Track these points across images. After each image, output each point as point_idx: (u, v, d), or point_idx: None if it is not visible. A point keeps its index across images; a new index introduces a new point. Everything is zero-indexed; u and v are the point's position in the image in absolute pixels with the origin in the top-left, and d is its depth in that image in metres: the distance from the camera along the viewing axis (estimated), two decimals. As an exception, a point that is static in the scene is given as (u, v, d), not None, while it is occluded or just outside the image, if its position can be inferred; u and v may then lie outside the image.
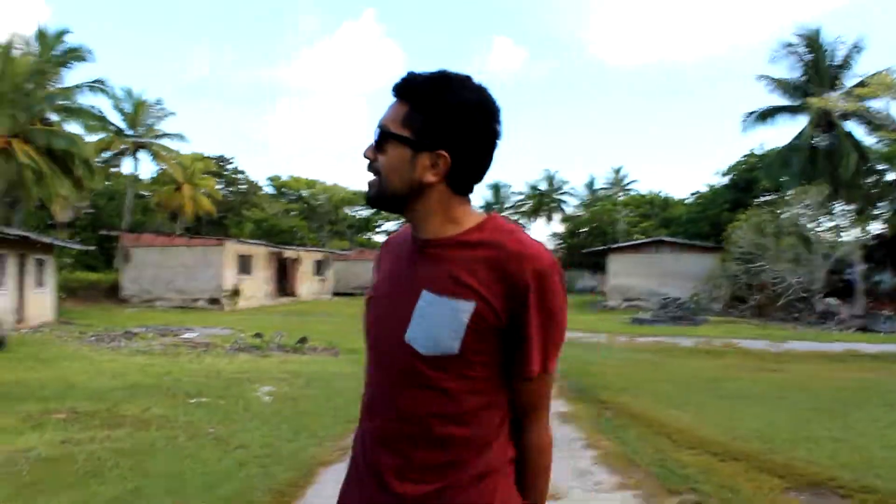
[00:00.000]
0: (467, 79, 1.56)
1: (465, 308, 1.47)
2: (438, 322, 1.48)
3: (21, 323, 21.41)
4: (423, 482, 1.49)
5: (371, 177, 1.58)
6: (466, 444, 1.50)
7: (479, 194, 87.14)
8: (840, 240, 32.98)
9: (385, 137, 1.54)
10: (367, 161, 1.57)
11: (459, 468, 1.49)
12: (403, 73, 1.57)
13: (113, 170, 50.48)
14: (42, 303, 23.84)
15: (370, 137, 1.58)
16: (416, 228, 1.60)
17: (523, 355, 1.51)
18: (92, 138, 40.21)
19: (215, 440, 7.07)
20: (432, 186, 1.53)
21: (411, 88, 1.54)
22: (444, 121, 1.51)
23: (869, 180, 37.37)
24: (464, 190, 1.57)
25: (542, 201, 78.05)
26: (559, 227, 77.14)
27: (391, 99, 1.57)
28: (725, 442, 7.27)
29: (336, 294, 48.17)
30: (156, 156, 48.13)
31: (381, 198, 1.58)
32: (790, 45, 35.45)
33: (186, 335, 18.41)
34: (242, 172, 65.18)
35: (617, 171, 79.65)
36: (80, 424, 7.73)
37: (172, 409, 8.62)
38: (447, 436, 1.49)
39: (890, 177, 40.63)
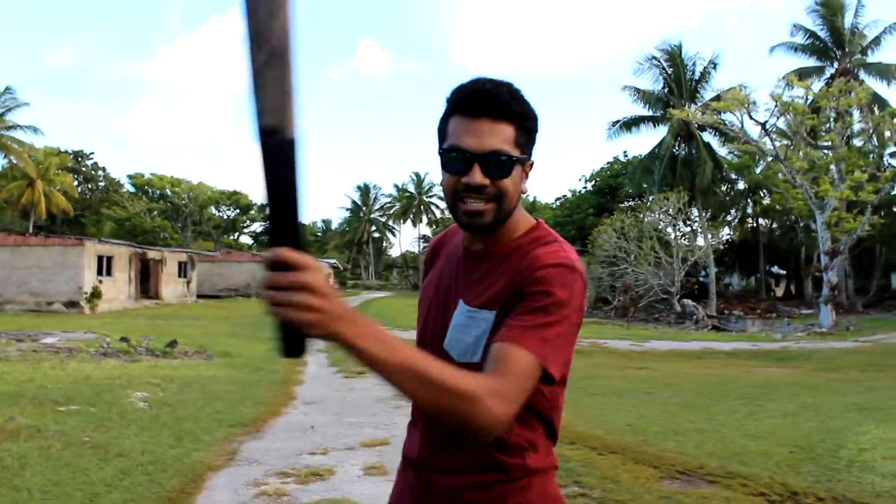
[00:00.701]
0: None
1: (488, 318, 1.49)
2: (466, 331, 1.51)
3: None
4: (457, 477, 1.54)
5: (481, 206, 1.48)
6: (498, 449, 1.51)
7: (347, 196, 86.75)
8: (696, 244, 35.02)
9: (512, 163, 1.48)
10: (477, 188, 1.47)
11: (497, 470, 1.52)
12: (481, 88, 1.50)
13: (-44, 162, 47.07)
14: None
15: (459, 164, 1.48)
16: (481, 240, 1.58)
17: (513, 326, 1.39)
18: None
19: (93, 448, 6.76)
20: (520, 197, 1.56)
21: (510, 107, 1.49)
22: (534, 133, 1.55)
23: (723, 188, 39.91)
24: None
25: (411, 204, 78.52)
26: (427, 230, 77.97)
27: (474, 117, 1.48)
28: (602, 436, 7.62)
29: (201, 296, 46.70)
30: (5, 148, 45.18)
31: (496, 222, 1.51)
32: (653, 58, 37.42)
33: (46, 340, 17.39)
34: (102, 169, 62.25)
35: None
36: (-63, 437, 7.21)
37: (41, 418, 8.16)
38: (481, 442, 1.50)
39: (740, 186, 43.53)
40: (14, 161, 46.09)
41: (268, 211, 1.12)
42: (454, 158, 1.48)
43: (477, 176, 1.46)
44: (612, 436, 7.66)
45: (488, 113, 1.48)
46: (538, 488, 1.56)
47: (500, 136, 1.47)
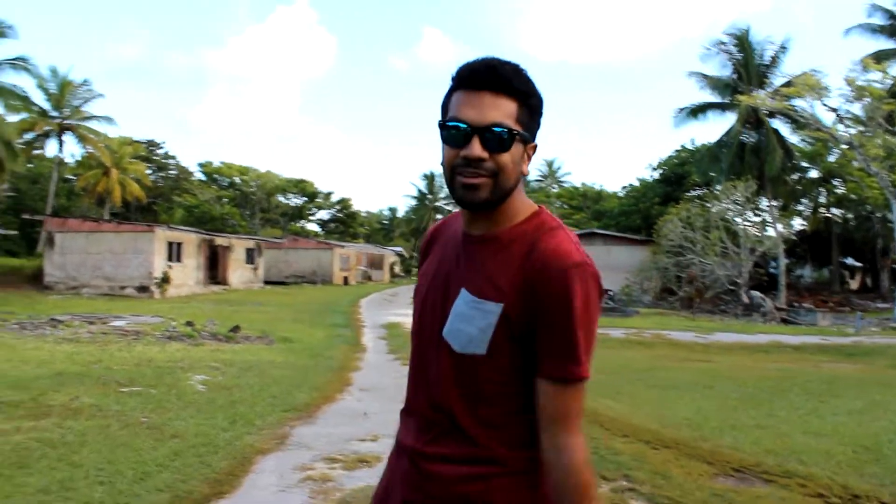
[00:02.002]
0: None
1: (494, 310, 1.47)
2: (470, 321, 1.48)
3: (-62, 309, 20.57)
4: (451, 467, 1.51)
5: (478, 179, 1.47)
6: (493, 444, 1.50)
7: (413, 185, 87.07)
8: (765, 234, 34.07)
9: (512, 137, 1.47)
10: (475, 161, 1.46)
11: (487, 464, 1.50)
12: (485, 63, 1.49)
13: (36, 152, 48.75)
14: (-40, 289, 22.95)
15: (459, 136, 1.47)
16: (482, 222, 1.55)
17: (546, 355, 1.46)
18: (14, 118, 38.83)
19: (149, 429, 6.93)
20: (521, 178, 1.54)
21: (513, 82, 1.48)
22: (539, 113, 1.53)
23: (793, 177, 38.69)
24: None
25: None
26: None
27: (477, 90, 1.48)
28: (657, 430, 7.46)
29: (267, 283, 47.57)
30: (82, 139, 46.67)
31: (493, 199, 1.49)
32: (721, 43, 36.43)
33: (115, 323, 17.95)
34: (173, 158, 63.84)
35: (550, 164, 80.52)
36: (4, 415, 7.47)
37: (103, 398, 8.41)
38: (473, 432, 1.50)
39: (812, 174, 42.16)
40: (90, 150, 47.57)
41: None
42: (453, 131, 1.47)
43: (476, 149, 1.45)
44: (668, 430, 7.50)
45: (490, 86, 1.47)
46: (530, 488, 1.52)
47: (501, 110, 1.46)
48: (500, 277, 1.48)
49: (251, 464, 5.94)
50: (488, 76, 1.47)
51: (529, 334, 1.46)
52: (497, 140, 1.45)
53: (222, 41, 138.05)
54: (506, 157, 1.47)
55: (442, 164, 1.53)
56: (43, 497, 4.86)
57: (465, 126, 1.46)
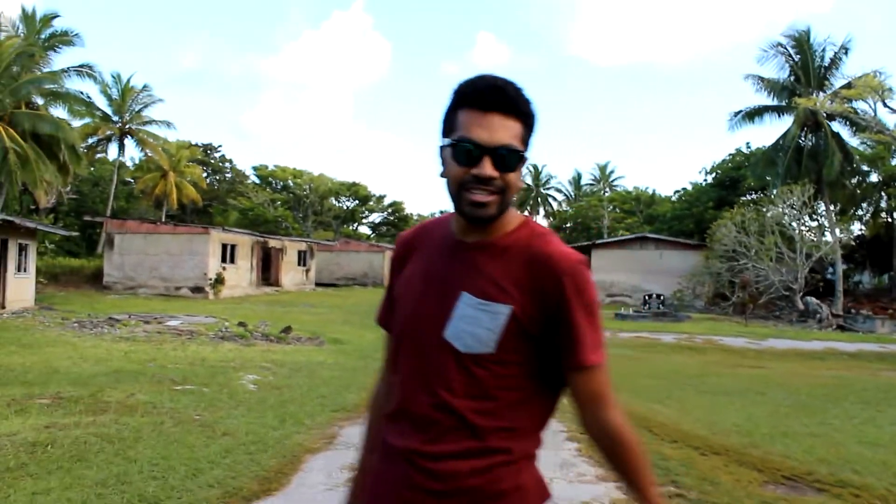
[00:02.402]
0: None
1: (503, 311, 1.54)
2: (477, 323, 1.54)
3: (2, 308, 21.30)
4: (461, 462, 1.55)
5: (488, 197, 1.54)
6: (497, 435, 1.56)
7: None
8: (822, 239, 33.31)
9: (519, 158, 1.56)
10: (486, 179, 1.53)
11: (489, 456, 1.56)
12: (492, 84, 1.56)
13: (98, 155, 50.14)
14: (23, 288, 23.70)
15: (471, 155, 1.53)
16: (477, 231, 1.62)
17: (573, 348, 1.56)
18: (78, 123, 40.02)
19: (201, 427, 7.09)
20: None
21: (519, 104, 1.56)
22: (534, 130, 1.61)
23: (853, 181, 37.72)
24: None
25: (528, 196, 78.19)
26: (544, 222, 77.49)
27: (486, 112, 1.54)
28: (706, 436, 7.38)
29: (319, 284, 48.11)
30: (142, 142, 47.82)
31: (499, 214, 1.58)
32: (779, 45, 35.72)
33: (170, 323, 18.36)
34: (229, 161, 65.05)
35: (603, 168, 79.88)
36: (64, 410, 7.74)
37: (157, 396, 8.63)
38: (479, 427, 1.55)
39: (873, 178, 41.07)
40: (149, 154, 48.72)
41: None
42: (464, 150, 1.53)
43: (487, 168, 1.52)
44: (717, 436, 7.41)
45: (499, 108, 1.54)
46: (530, 471, 1.64)
47: (509, 132, 1.54)
48: (505, 280, 1.56)
49: (300, 462, 6.04)
50: (497, 98, 1.54)
51: (546, 332, 1.56)
52: (506, 160, 1.53)
53: (278, 47, 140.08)
54: (513, 176, 1.56)
55: (447, 178, 1.59)
56: (100, 490, 5.02)
57: (476, 146, 1.52)
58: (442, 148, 1.60)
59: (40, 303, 24.29)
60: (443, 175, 1.61)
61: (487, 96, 1.54)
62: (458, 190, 1.56)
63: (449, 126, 1.59)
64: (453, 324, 1.56)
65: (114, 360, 11.56)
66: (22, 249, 23.75)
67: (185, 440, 6.53)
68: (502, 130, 1.53)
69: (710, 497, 5.31)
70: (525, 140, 1.58)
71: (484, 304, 1.55)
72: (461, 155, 1.54)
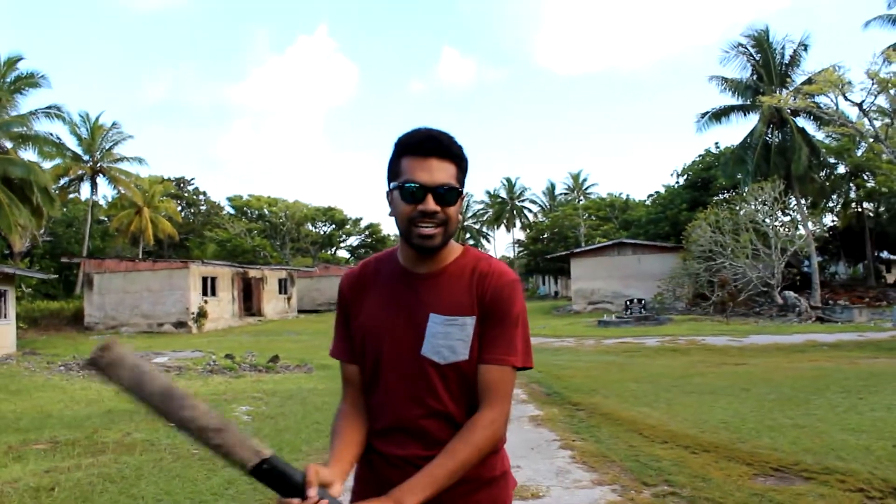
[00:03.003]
0: None
1: (469, 322, 1.81)
2: (449, 336, 1.81)
3: (-15, 356, 21.13)
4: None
5: (432, 230, 1.79)
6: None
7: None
8: (796, 233, 33.82)
9: (458, 195, 1.82)
10: (430, 214, 1.78)
11: (484, 460, 1.82)
12: (429, 135, 1.83)
13: (71, 196, 49.86)
14: (4, 334, 23.51)
15: (417, 194, 1.77)
16: (425, 262, 1.88)
17: (495, 345, 1.81)
18: (48, 165, 39.84)
19: (200, 461, 7.17)
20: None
21: (452, 149, 1.82)
22: (467, 172, 1.87)
23: (821, 174, 38.34)
24: None
25: (503, 209, 78.56)
26: (521, 234, 77.85)
27: (426, 157, 1.79)
28: (695, 435, 7.56)
29: (301, 311, 48.00)
30: (114, 180, 47.66)
31: (443, 244, 1.83)
32: (739, 45, 36.35)
33: (157, 360, 18.33)
34: (203, 193, 64.87)
35: (576, 176, 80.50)
36: (62, 453, 7.78)
37: (153, 433, 8.68)
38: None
39: (841, 170, 41.77)
40: (122, 191, 48.51)
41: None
42: (410, 190, 1.78)
43: (430, 204, 1.78)
44: (706, 434, 7.59)
45: (436, 153, 1.80)
46: (507, 458, 1.96)
47: (446, 173, 1.80)
48: (462, 297, 1.83)
49: (302, 488, 6.13)
50: (433, 145, 1.80)
51: (481, 333, 1.82)
52: (446, 196, 1.79)
53: (244, 75, 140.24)
54: (452, 210, 1.81)
55: (397, 216, 1.84)
56: (109, 529, 5.11)
57: (419, 186, 1.77)
58: (390, 191, 1.86)
59: (23, 348, 24.10)
60: (391, 214, 1.88)
61: (425, 144, 1.80)
62: (407, 225, 1.81)
63: (394, 172, 1.85)
64: (429, 342, 1.81)
65: (105, 401, 11.56)
66: (0, 295, 23.61)
67: (187, 474, 6.62)
68: (440, 172, 1.79)
69: (702, 493, 5.48)
70: (460, 179, 1.84)
71: (451, 320, 1.81)
72: (408, 195, 1.79)
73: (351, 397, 1.98)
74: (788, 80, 35.71)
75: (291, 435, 8.46)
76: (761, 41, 35.81)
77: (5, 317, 23.95)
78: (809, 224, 34.99)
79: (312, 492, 1.57)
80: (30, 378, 15.45)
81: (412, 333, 1.83)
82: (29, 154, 33.77)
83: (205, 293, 34.91)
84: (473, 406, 1.81)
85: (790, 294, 30.42)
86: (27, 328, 29.60)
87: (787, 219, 35.72)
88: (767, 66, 35.51)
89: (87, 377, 15.36)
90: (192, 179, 67.07)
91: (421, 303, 1.85)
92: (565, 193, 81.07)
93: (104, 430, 8.94)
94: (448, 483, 1.71)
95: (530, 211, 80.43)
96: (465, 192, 1.87)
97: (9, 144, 32.60)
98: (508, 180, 79.99)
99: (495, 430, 1.78)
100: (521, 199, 79.96)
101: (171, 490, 6.07)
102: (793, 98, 31.92)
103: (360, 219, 71.71)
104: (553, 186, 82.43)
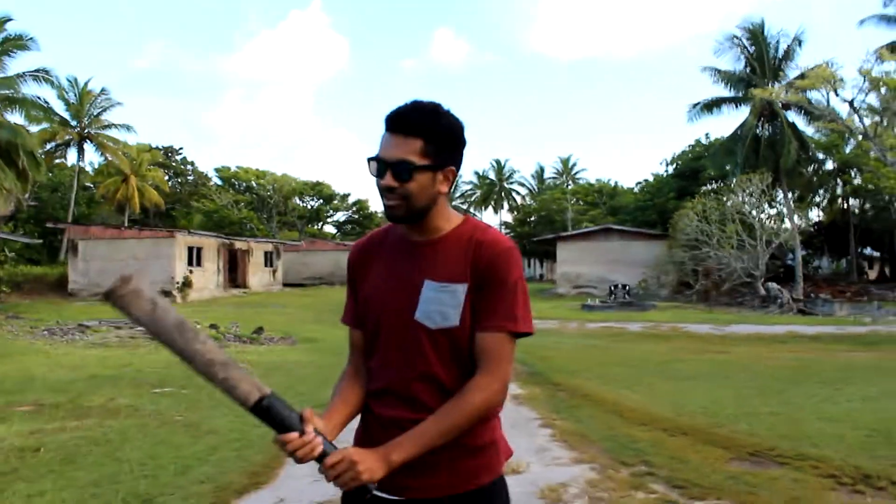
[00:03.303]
0: (440, 105, 1.90)
1: (461, 289, 1.86)
2: (441, 302, 1.86)
3: (-32, 318, 21.05)
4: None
5: (394, 202, 1.84)
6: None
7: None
8: (782, 226, 34.05)
9: (413, 170, 1.83)
10: (388, 188, 1.83)
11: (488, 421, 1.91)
12: (397, 110, 1.86)
13: (57, 161, 49.43)
14: (-12, 297, 23.44)
15: (378, 169, 1.84)
16: (419, 231, 1.94)
17: (493, 311, 1.85)
18: (35, 129, 39.42)
19: (185, 426, 7.24)
20: (442, 195, 1.92)
21: (418, 125, 1.84)
22: (448, 144, 1.89)
23: (809, 169, 38.56)
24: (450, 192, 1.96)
25: (491, 190, 78.53)
26: (508, 217, 77.93)
27: (391, 133, 1.84)
28: (673, 418, 7.69)
29: (286, 285, 47.97)
30: (101, 147, 47.26)
31: (408, 215, 1.88)
32: (734, 37, 36.39)
33: (142, 328, 18.32)
34: (191, 163, 64.46)
35: (566, 161, 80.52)
36: (47, 416, 7.81)
37: (138, 399, 8.74)
38: (455, 391, 1.85)
39: (829, 166, 42.03)
40: (110, 158, 48.13)
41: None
42: (372, 165, 1.86)
43: (388, 179, 1.83)
44: (684, 418, 7.72)
45: (397, 129, 1.84)
46: (499, 428, 1.99)
47: (406, 148, 1.83)
48: (456, 266, 1.87)
49: (285, 457, 6.20)
50: (396, 121, 1.84)
51: (477, 301, 1.86)
52: (401, 173, 1.82)
53: (236, 47, 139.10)
54: (412, 185, 1.83)
55: None
56: (94, 490, 5.16)
57: (377, 160, 1.85)
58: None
59: (6, 312, 23.99)
60: None
61: (391, 120, 1.85)
62: (380, 196, 1.88)
63: None
64: (421, 307, 1.87)
65: (89, 366, 11.58)
66: (-15, 259, 23.50)
67: (171, 440, 6.68)
68: (397, 148, 1.83)
69: (679, 474, 5.59)
70: (430, 154, 1.84)
71: (444, 286, 1.86)
72: (372, 169, 1.87)
73: (355, 361, 2.06)
74: (781, 73, 35.83)
75: (275, 405, 8.52)
76: (756, 34, 35.88)
77: (-12, 280, 23.86)
78: (795, 218, 35.24)
79: (310, 428, 1.65)
80: (13, 342, 15.43)
81: (408, 299, 1.89)
82: (15, 117, 33.43)
83: (190, 263, 34.81)
84: (465, 374, 1.85)
85: (773, 286, 30.69)
86: (10, 292, 29.44)
87: (774, 211, 35.97)
88: (761, 59, 35.60)
89: (71, 342, 15.36)
90: (181, 149, 66.56)
91: (418, 269, 1.91)
92: (554, 177, 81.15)
93: (89, 395, 8.97)
94: (437, 443, 1.77)
95: (518, 193, 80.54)
96: (441, 166, 1.87)
97: (-4, 107, 32.30)
98: (498, 162, 80.00)
99: (489, 396, 1.82)
100: (510, 181, 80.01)
101: (155, 454, 6.12)
102: (785, 92, 32.09)
103: (348, 195, 71.55)
104: (542, 170, 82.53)
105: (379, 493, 1.85)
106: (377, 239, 2.08)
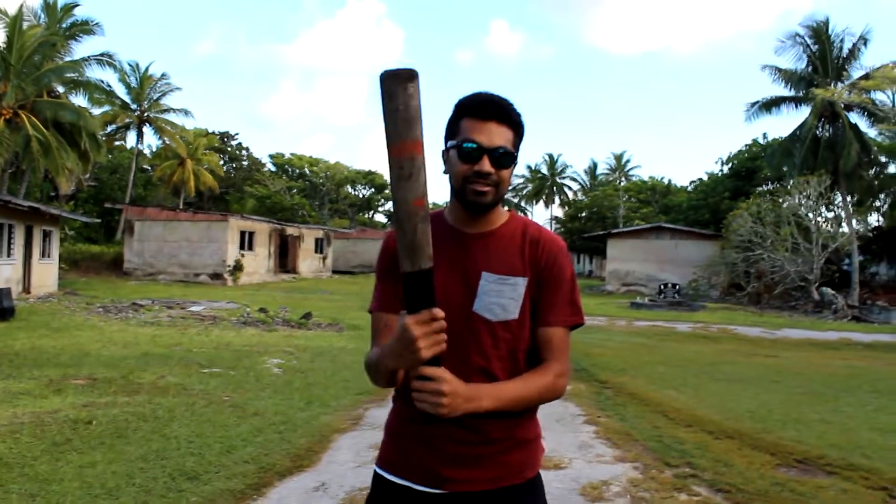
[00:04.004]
0: None
1: (521, 282, 1.89)
2: (501, 295, 1.87)
3: (27, 293, 21.71)
4: (490, 420, 1.83)
5: (486, 188, 1.85)
6: None
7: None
8: (839, 230, 33.21)
9: (511, 159, 1.87)
10: (485, 174, 1.84)
11: (521, 421, 1.92)
12: (493, 98, 1.89)
13: (116, 143, 50.53)
14: (47, 274, 24.11)
15: (474, 154, 1.83)
16: (476, 223, 1.94)
17: (556, 308, 1.91)
18: (97, 111, 40.35)
19: (231, 407, 7.36)
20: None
21: (511, 115, 1.88)
22: (521, 141, 1.93)
23: (870, 172, 37.49)
24: None
25: (543, 185, 78.07)
26: (559, 212, 77.44)
27: (486, 120, 1.85)
28: (720, 421, 7.57)
29: (336, 272, 48.41)
30: (160, 130, 48.14)
31: (493, 203, 1.89)
32: (797, 35, 35.48)
33: (193, 308, 18.67)
34: (246, 149, 65.27)
35: (619, 157, 79.62)
36: (99, 390, 8.02)
37: (187, 378, 8.92)
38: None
39: (891, 170, 40.81)
40: (167, 142, 49.03)
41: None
42: (468, 150, 1.85)
43: (486, 165, 1.84)
44: (731, 421, 7.60)
45: (495, 118, 1.86)
46: (539, 424, 2.03)
47: (503, 137, 1.86)
48: (514, 260, 1.91)
49: (329, 441, 6.29)
50: (494, 109, 1.86)
51: (538, 296, 1.91)
52: (501, 159, 1.85)
53: (293, 36, 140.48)
54: (505, 173, 1.88)
55: (452, 175, 1.91)
56: (142, 464, 5.28)
57: (477, 147, 1.84)
58: (447, 149, 1.92)
59: (64, 288, 24.69)
60: (445, 172, 1.94)
61: (486, 107, 1.86)
62: (462, 184, 1.87)
63: (452, 133, 1.90)
64: (480, 299, 1.87)
65: (141, 344, 11.86)
66: (46, 236, 24.16)
67: (217, 420, 6.80)
68: (497, 135, 1.85)
69: (723, 477, 5.51)
70: (516, 145, 1.90)
71: (503, 279, 1.88)
72: (465, 154, 1.85)
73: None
74: (845, 73, 34.84)
75: (320, 389, 8.63)
76: (820, 32, 34.93)
77: (49, 256, 24.54)
78: (853, 222, 34.33)
79: (440, 312, 1.60)
80: (69, 317, 15.86)
81: (464, 291, 1.88)
82: (79, 100, 34.24)
83: (242, 247, 35.33)
84: (517, 368, 1.87)
85: (827, 291, 29.98)
86: (68, 269, 30.26)
87: (831, 215, 35.08)
88: (824, 57, 34.66)
89: (125, 320, 15.73)
90: (236, 135, 67.48)
91: (473, 261, 1.91)
92: (607, 173, 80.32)
93: (139, 372, 9.19)
94: (510, 406, 1.80)
95: (570, 188, 79.81)
96: (517, 160, 1.91)
97: (61, 89, 33.07)
98: (550, 156, 79.32)
99: (560, 382, 1.89)
100: (562, 175, 79.31)
101: (202, 433, 6.24)
102: (848, 93, 31.25)
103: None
104: (595, 165, 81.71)
105: (418, 487, 1.86)
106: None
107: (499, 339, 1.87)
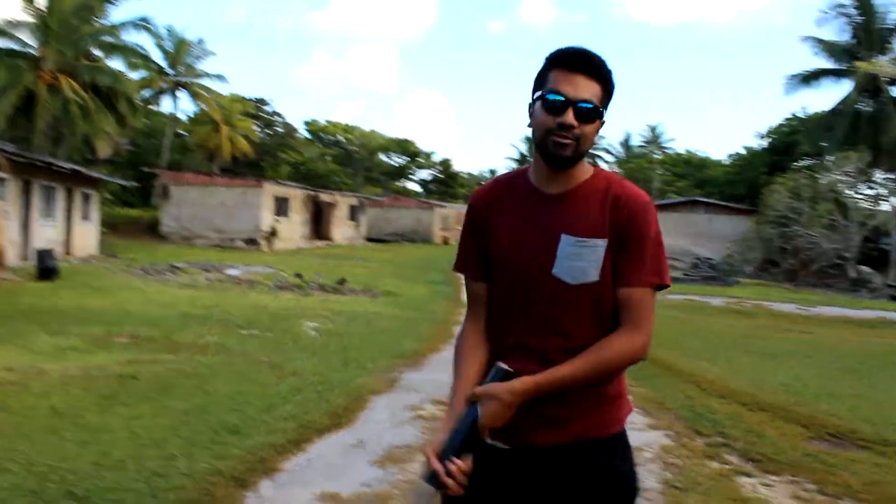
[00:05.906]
0: None
1: (600, 244, 1.83)
2: (580, 258, 1.83)
3: (68, 254, 22.15)
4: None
5: (567, 141, 1.80)
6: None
7: (513, 146, 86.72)
8: (878, 208, 32.67)
9: (596, 113, 1.82)
10: (568, 127, 1.79)
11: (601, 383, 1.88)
12: (581, 51, 1.85)
13: (152, 108, 50.96)
14: (87, 236, 24.54)
15: (557, 106, 1.79)
16: (557, 181, 1.89)
17: (637, 269, 1.84)
18: (134, 76, 40.68)
19: (270, 367, 7.54)
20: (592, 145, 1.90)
21: (601, 70, 1.84)
22: (611, 97, 1.89)
23: (913, 148, 36.70)
24: None
25: (577, 156, 77.32)
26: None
27: (573, 72, 1.81)
28: (753, 393, 7.59)
29: (369, 240, 48.69)
30: (195, 95, 48.41)
31: (575, 158, 1.84)
32: (840, 6, 34.64)
33: (230, 272, 18.96)
34: (280, 115, 65.47)
35: (653, 129, 78.55)
36: (142, 348, 8.26)
37: (226, 338, 9.12)
38: (588, 346, 1.83)
39: (935, 146, 39.90)
40: (203, 107, 49.33)
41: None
42: (552, 101, 1.81)
43: (570, 117, 1.79)
44: (764, 394, 7.61)
45: (584, 70, 1.82)
46: (624, 382, 1.98)
47: (590, 91, 1.82)
48: (595, 220, 1.84)
49: (365, 402, 6.43)
50: (583, 62, 1.83)
51: (618, 257, 1.84)
52: (586, 113, 1.80)
53: (326, 2, 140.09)
54: (589, 128, 1.82)
55: (532, 125, 1.88)
56: (185, 418, 5.46)
57: (562, 98, 1.80)
58: (532, 101, 1.88)
59: (104, 251, 25.14)
60: (530, 125, 1.89)
61: (576, 59, 1.83)
62: (544, 135, 1.83)
63: (539, 84, 1.87)
64: (559, 262, 1.84)
65: (180, 305, 12.11)
66: (86, 199, 24.56)
67: (257, 378, 6.98)
68: (585, 89, 1.80)
69: (755, 447, 5.56)
70: (604, 102, 1.84)
71: (582, 241, 1.83)
72: (549, 105, 1.81)
73: (475, 316, 2.01)
74: (889, 46, 34.02)
75: (356, 352, 8.78)
76: (865, 3, 34.08)
77: (89, 219, 24.97)
78: (894, 200, 33.71)
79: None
80: (110, 278, 16.21)
81: (543, 253, 1.86)
82: (116, 64, 34.46)
83: (277, 213, 35.62)
84: (599, 331, 1.83)
85: (865, 269, 29.59)
86: (107, 232, 30.77)
87: (871, 192, 34.50)
88: (868, 29, 33.83)
89: (163, 282, 16.03)
90: (271, 101, 67.81)
91: (553, 222, 1.87)
92: (641, 146, 79.39)
93: (180, 331, 9.42)
94: (574, 385, 1.79)
95: (604, 160, 79.16)
96: (604, 118, 1.86)
97: (99, 53, 33.38)
98: (584, 127, 78.63)
99: (637, 348, 1.83)
100: (596, 146, 78.67)
101: (242, 391, 6.42)
102: (892, 65, 30.52)
103: (433, 153, 71.81)
104: (629, 137, 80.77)
105: (500, 445, 1.87)
106: (503, 187, 2.03)
107: (578, 302, 1.84)
